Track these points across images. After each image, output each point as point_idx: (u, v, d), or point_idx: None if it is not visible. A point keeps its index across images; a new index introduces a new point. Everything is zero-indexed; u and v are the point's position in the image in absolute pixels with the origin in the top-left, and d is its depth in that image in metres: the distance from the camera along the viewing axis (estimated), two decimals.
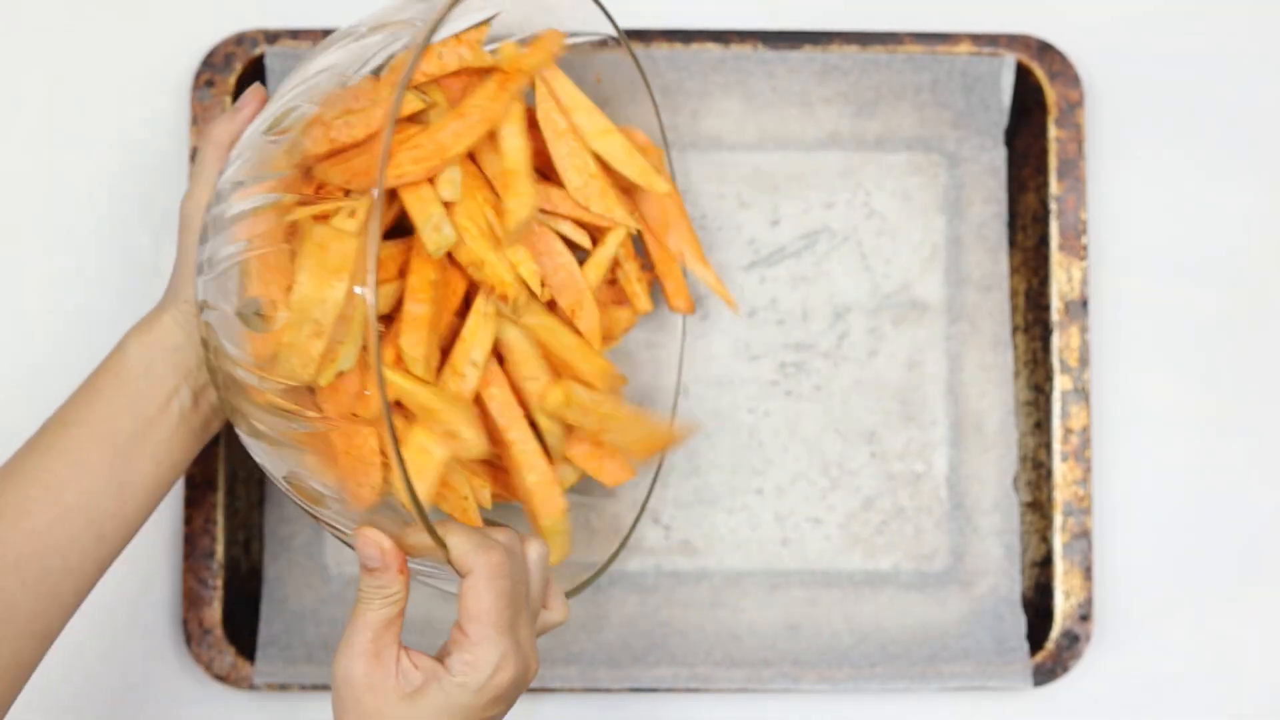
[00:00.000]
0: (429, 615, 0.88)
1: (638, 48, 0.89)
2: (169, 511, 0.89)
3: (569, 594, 0.74)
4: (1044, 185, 0.89)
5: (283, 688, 0.86)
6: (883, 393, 0.90)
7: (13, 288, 0.91)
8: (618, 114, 0.82)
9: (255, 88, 0.75)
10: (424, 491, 0.69)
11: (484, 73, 0.74)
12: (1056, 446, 0.88)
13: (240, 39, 0.89)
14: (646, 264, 0.84)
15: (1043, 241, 0.89)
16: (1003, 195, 0.91)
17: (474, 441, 0.70)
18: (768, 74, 0.90)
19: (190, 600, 0.86)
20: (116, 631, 0.89)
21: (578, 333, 0.78)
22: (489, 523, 0.72)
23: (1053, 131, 0.89)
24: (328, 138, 0.67)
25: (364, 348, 0.64)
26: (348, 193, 0.67)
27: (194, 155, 0.88)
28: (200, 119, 0.88)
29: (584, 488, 0.84)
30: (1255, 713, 0.90)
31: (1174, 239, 0.92)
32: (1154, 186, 0.93)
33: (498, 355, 0.77)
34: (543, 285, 0.77)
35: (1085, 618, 0.87)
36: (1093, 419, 0.90)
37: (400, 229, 0.74)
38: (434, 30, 0.65)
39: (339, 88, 0.69)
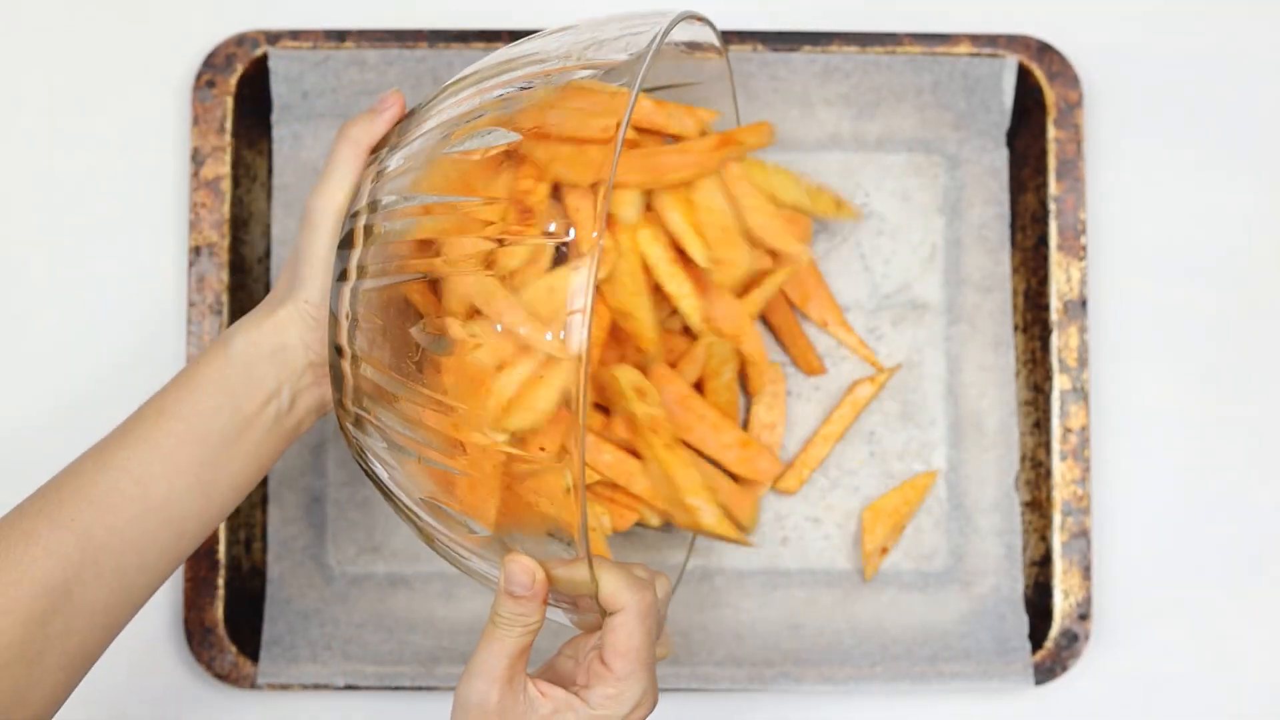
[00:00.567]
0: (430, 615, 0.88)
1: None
2: None
3: None
4: (1043, 185, 0.89)
5: (284, 687, 0.86)
6: (882, 392, 0.90)
7: (13, 288, 0.91)
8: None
9: (396, 92, 0.73)
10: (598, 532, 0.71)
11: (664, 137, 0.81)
12: (1055, 446, 0.88)
13: (241, 39, 0.89)
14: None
15: (1042, 241, 0.89)
16: (1004, 197, 0.91)
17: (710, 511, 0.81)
18: (769, 76, 0.90)
19: (191, 599, 0.87)
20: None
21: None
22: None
23: (1052, 132, 0.89)
24: (548, 133, 0.67)
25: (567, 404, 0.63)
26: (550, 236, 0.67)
27: (195, 155, 0.88)
28: (201, 120, 0.88)
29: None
30: (1255, 711, 0.91)
31: (1173, 239, 0.93)
32: (1153, 187, 0.93)
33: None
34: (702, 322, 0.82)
35: (1084, 617, 0.87)
36: (1092, 419, 0.90)
37: None
38: (657, 44, 0.65)
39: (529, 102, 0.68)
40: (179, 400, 0.70)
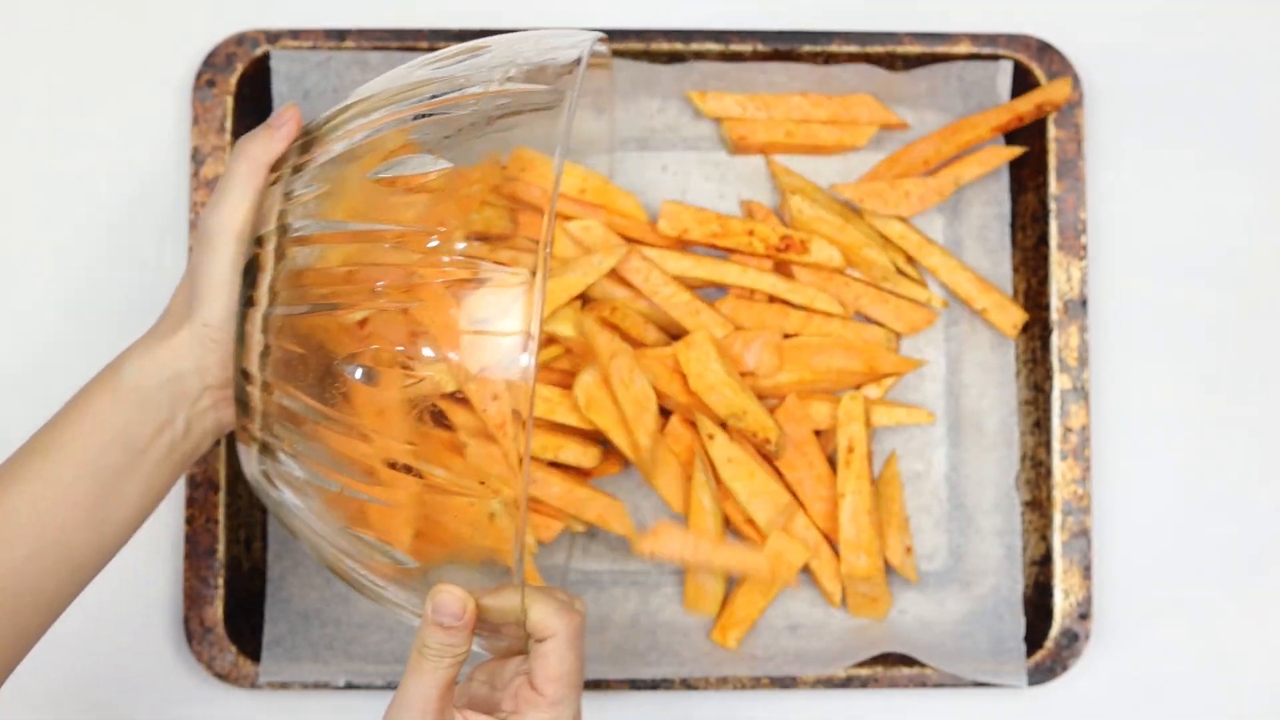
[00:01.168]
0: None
1: (638, 47, 0.89)
2: (170, 510, 0.90)
3: None
4: (1043, 185, 0.89)
5: (284, 686, 0.86)
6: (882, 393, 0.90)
7: (13, 288, 0.91)
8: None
9: (291, 106, 0.71)
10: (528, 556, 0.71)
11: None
12: (1056, 445, 0.88)
13: (241, 39, 0.89)
14: None
15: (1042, 241, 0.89)
16: (1004, 197, 0.91)
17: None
18: (768, 82, 0.90)
19: (191, 599, 0.87)
20: (118, 630, 0.89)
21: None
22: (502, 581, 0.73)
23: (1052, 131, 0.89)
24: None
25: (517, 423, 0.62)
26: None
27: (195, 155, 0.88)
28: (201, 119, 0.88)
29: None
30: (1254, 711, 0.91)
31: (1173, 238, 0.92)
32: (1153, 186, 0.93)
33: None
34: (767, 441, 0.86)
35: (1084, 616, 0.87)
36: (1092, 418, 0.90)
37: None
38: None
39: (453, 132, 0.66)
40: (69, 434, 0.68)
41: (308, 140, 0.70)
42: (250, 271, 0.67)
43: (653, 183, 0.91)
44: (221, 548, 0.87)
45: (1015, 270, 0.91)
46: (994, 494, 0.90)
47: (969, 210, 0.91)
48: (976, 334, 0.91)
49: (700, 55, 0.89)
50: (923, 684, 0.86)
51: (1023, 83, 0.90)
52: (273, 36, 0.89)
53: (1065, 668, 0.87)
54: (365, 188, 0.66)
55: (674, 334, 0.88)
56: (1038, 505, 0.89)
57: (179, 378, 0.68)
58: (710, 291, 0.90)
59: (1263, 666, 0.91)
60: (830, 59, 0.90)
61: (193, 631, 0.86)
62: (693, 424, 0.87)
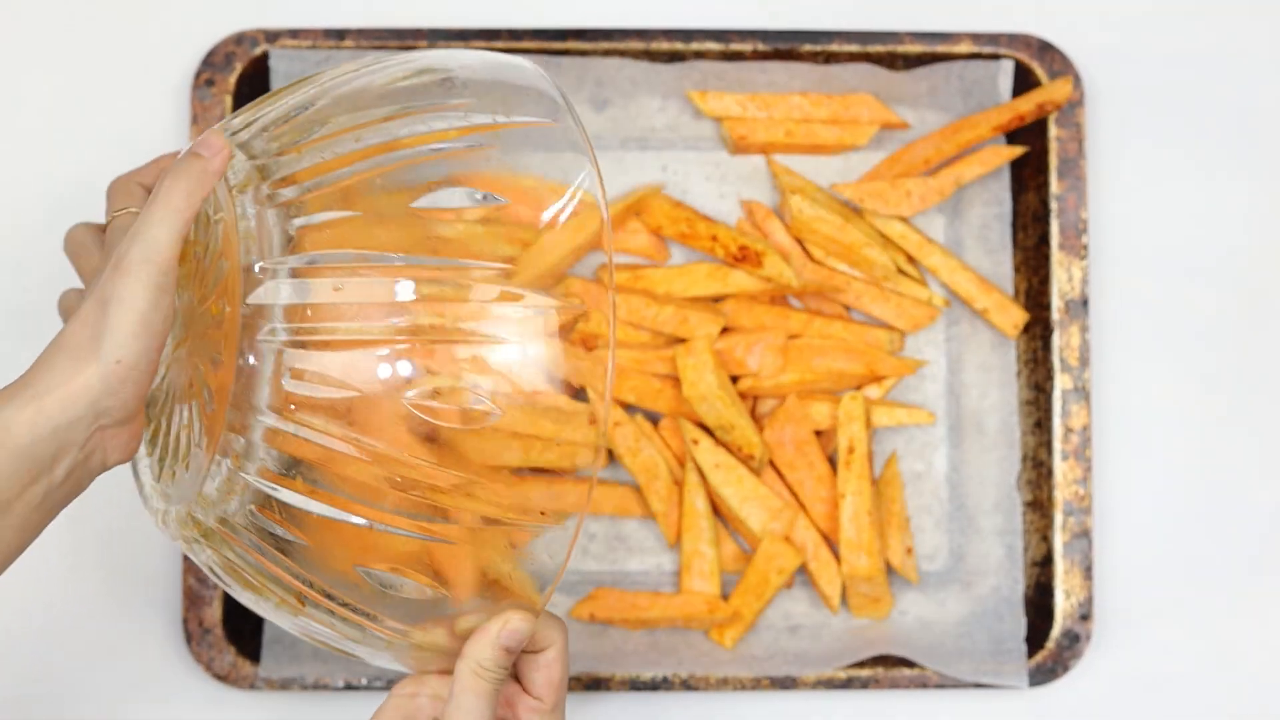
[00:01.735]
0: None
1: (638, 46, 0.89)
2: None
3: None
4: (1044, 184, 0.89)
5: (283, 687, 0.86)
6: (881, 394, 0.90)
7: (13, 288, 0.91)
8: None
9: (218, 136, 0.64)
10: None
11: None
12: (1057, 445, 0.88)
13: (240, 38, 0.89)
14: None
15: (1043, 240, 0.89)
16: (1005, 197, 0.91)
17: None
18: (769, 82, 0.90)
19: (190, 599, 0.86)
20: (116, 631, 0.89)
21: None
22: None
23: (1053, 131, 0.89)
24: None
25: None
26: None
27: None
28: (200, 118, 0.88)
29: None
30: (1255, 711, 0.91)
31: (1175, 238, 0.92)
32: (1154, 186, 0.93)
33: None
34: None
35: (1085, 617, 0.87)
36: (1093, 418, 0.90)
37: None
38: None
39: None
40: None
41: (286, 150, 0.65)
42: (255, 297, 0.62)
43: (653, 183, 0.91)
44: None
45: (1016, 270, 0.91)
46: (995, 494, 0.90)
47: (970, 210, 0.91)
48: (977, 334, 0.91)
49: (700, 55, 0.89)
50: (923, 685, 0.86)
51: (1024, 82, 0.90)
52: (272, 36, 0.89)
53: (1066, 668, 0.87)
54: (416, 222, 0.63)
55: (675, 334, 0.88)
56: (1039, 505, 0.88)
57: (68, 426, 0.60)
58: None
59: (1263, 667, 0.91)
60: (831, 58, 0.90)
61: (191, 632, 0.86)
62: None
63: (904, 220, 0.89)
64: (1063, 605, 0.87)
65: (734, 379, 0.88)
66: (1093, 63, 0.92)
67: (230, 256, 0.63)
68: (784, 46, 0.89)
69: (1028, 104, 0.87)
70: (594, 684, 0.86)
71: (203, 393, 0.64)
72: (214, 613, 0.86)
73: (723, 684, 0.86)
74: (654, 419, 0.89)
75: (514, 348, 0.63)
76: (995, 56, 0.90)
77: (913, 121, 0.91)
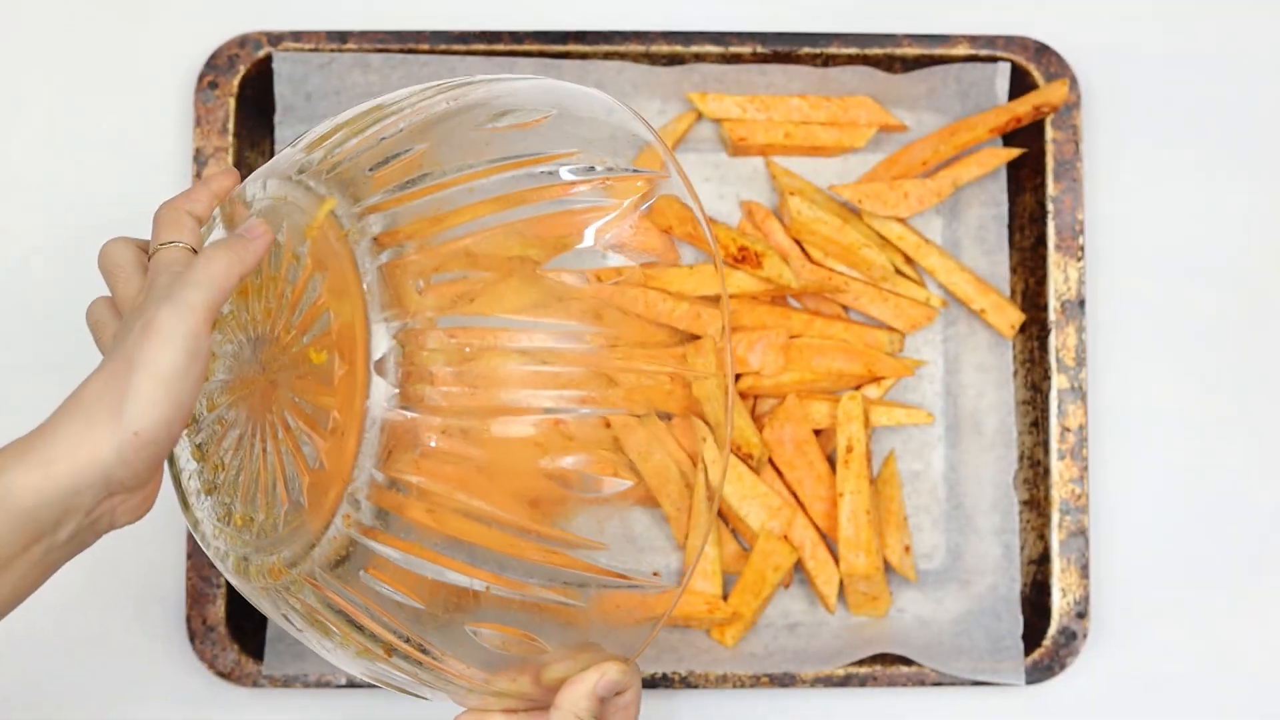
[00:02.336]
0: None
1: (638, 49, 0.89)
2: (172, 509, 0.90)
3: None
4: (1041, 186, 0.90)
5: (285, 684, 0.86)
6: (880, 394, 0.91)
7: (15, 289, 0.91)
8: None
9: (263, 224, 0.62)
10: None
11: None
12: (1053, 445, 0.88)
13: (243, 41, 0.89)
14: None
15: (1040, 242, 0.89)
16: (1002, 198, 0.91)
17: None
18: (768, 84, 0.90)
19: (194, 598, 0.87)
20: (120, 629, 0.89)
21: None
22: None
23: (1049, 133, 0.89)
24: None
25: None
26: None
27: (197, 156, 0.89)
28: (204, 120, 0.89)
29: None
30: (1251, 710, 0.91)
31: (1170, 239, 0.93)
32: (1150, 187, 0.93)
33: None
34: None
35: (1082, 615, 0.88)
36: (1089, 418, 0.90)
37: None
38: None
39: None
40: None
41: (392, 200, 0.61)
42: (392, 358, 0.59)
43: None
44: None
45: (1013, 271, 0.91)
46: (992, 493, 0.90)
47: (967, 211, 0.92)
48: (975, 334, 0.91)
49: (700, 57, 0.90)
50: (921, 682, 0.87)
51: (1020, 84, 0.90)
52: (275, 38, 0.89)
53: (1063, 666, 0.87)
54: (535, 279, 0.62)
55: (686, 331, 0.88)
56: (1035, 504, 0.89)
57: (76, 493, 0.57)
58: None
59: (1260, 665, 0.91)
60: (829, 61, 0.90)
61: (195, 630, 0.87)
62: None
63: (902, 221, 0.90)
64: (1059, 603, 0.88)
65: (735, 378, 0.88)
66: (1089, 65, 0.93)
67: (344, 310, 0.60)
68: (783, 49, 0.90)
69: (1024, 106, 0.88)
70: None
71: (298, 446, 0.61)
72: (217, 611, 0.87)
73: (722, 681, 0.86)
74: (666, 418, 0.89)
75: None
76: (992, 59, 0.90)
77: (910, 123, 0.92)
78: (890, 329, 0.90)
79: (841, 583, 0.88)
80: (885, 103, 0.91)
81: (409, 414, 0.59)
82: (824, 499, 0.88)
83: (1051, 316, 0.89)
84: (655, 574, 0.65)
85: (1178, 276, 0.93)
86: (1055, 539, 0.88)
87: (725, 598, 0.88)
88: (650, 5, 0.93)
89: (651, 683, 0.86)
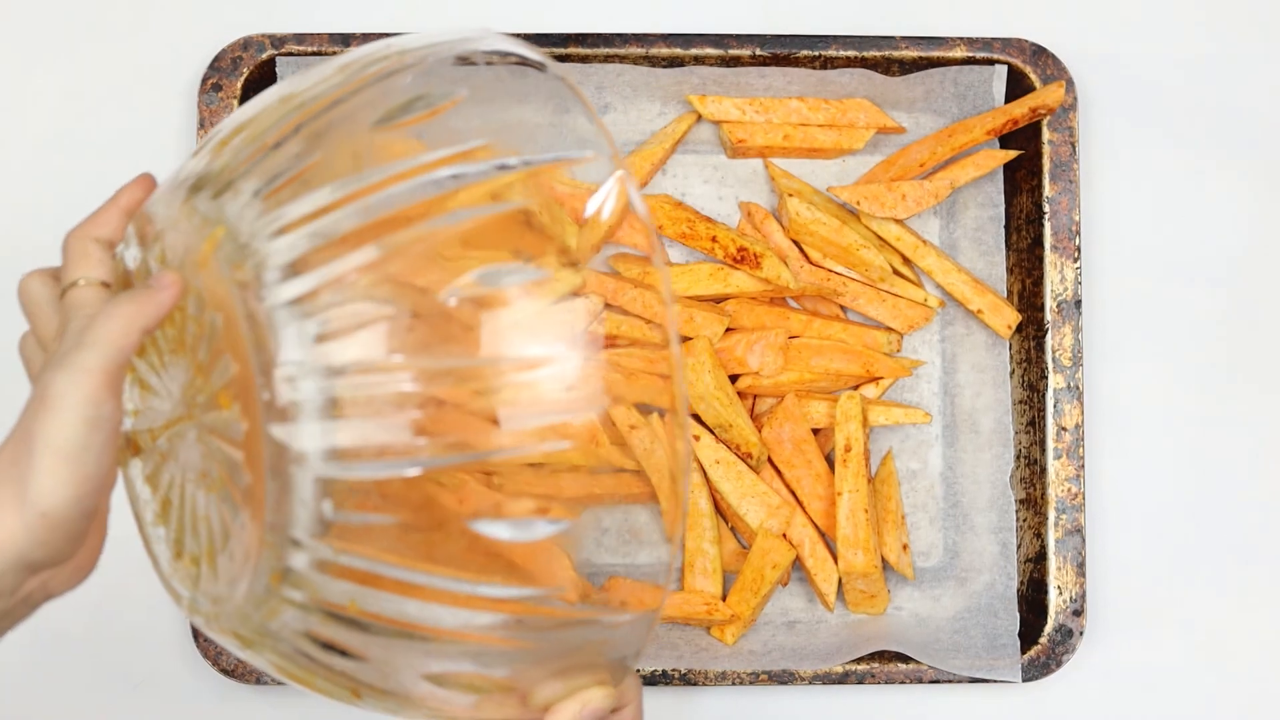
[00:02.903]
0: None
1: (638, 51, 0.90)
2: None
3: None
4: (1037, 187, 0.90)
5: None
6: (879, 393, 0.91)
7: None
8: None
9: (175, 274, 0.56)
10: None
11: None
12: (1050, 444, 0.89)
13: (246, 43, 0.90)
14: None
15: (1036, 242, 0.90)
16: (999, 199, 0.92)
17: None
18: (767, 86, 0.91)
19: None
20: (124, 626, 0.90)
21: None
22: None
23: (1046, 134, 0.90)
24: None
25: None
26: None
27: None
28: (207, 122, 0.89)
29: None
30: (1247, 707, 0.91)
31: (1166, 240, 0.93)
32: (1146, 188, 0.94)
33: None
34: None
35: (1078, 613, 0.88)
36: (1086, 417, 0.91)
37: None
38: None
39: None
40: None
41: (287, 228, 0.54)
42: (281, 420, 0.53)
43: (653, 185, 0.92)
44: None
45: (1010, 271, 0.92)
46: (989, 492, 0.91)
47: (964, 212, 0.92)
48: (972, 335, 0.92)
49: (699, 60, 0.90)
50: (919, 680, 0.87)
51: (1017, 86, 0.91)
52: (278, 41, 0.90)
53: (1060, 663, 0.88)
54: (445, 319, 0.56)
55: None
56: (1032, 503, 0.89)
57: None
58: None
59: (1254, 662, 0.91)
60: (828, 63, 0.91)
61: (199, 628, 0.87)
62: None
63: (900, 222, 0.90)
64: (1056, 601, 0.88)
65: (733, 378, 0.89)
66: (1086, 67, 0.93)
67: (238, 357, 0.54)
68: (781, 51, 0.90)
69: (1021, 108, 0.88)
70: None
71: (225, 494, 0.57)
72: None
73: (721, 679, 0.87)
74: (661, 415, 0.90)
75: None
76: (989, 61, 0.91)
77: (908, 125, 0.92)
78: (888, 329, 0.90)
79: (840, 581, 0.88)
80: (883, 105, 0.91)
81: (313, 474, 0.53)
82: (822, 498, 0.88)
83: (1048, 317, 0.89)
84: (623, 604, 0.61)
85: (1174, 277, 0.93)
86: (1052, 537, 0.88)
87: (725, 596, 0.88)
88: (650, 8, 0.94)
89: (651, 680, 0.87)
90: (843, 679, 0.87)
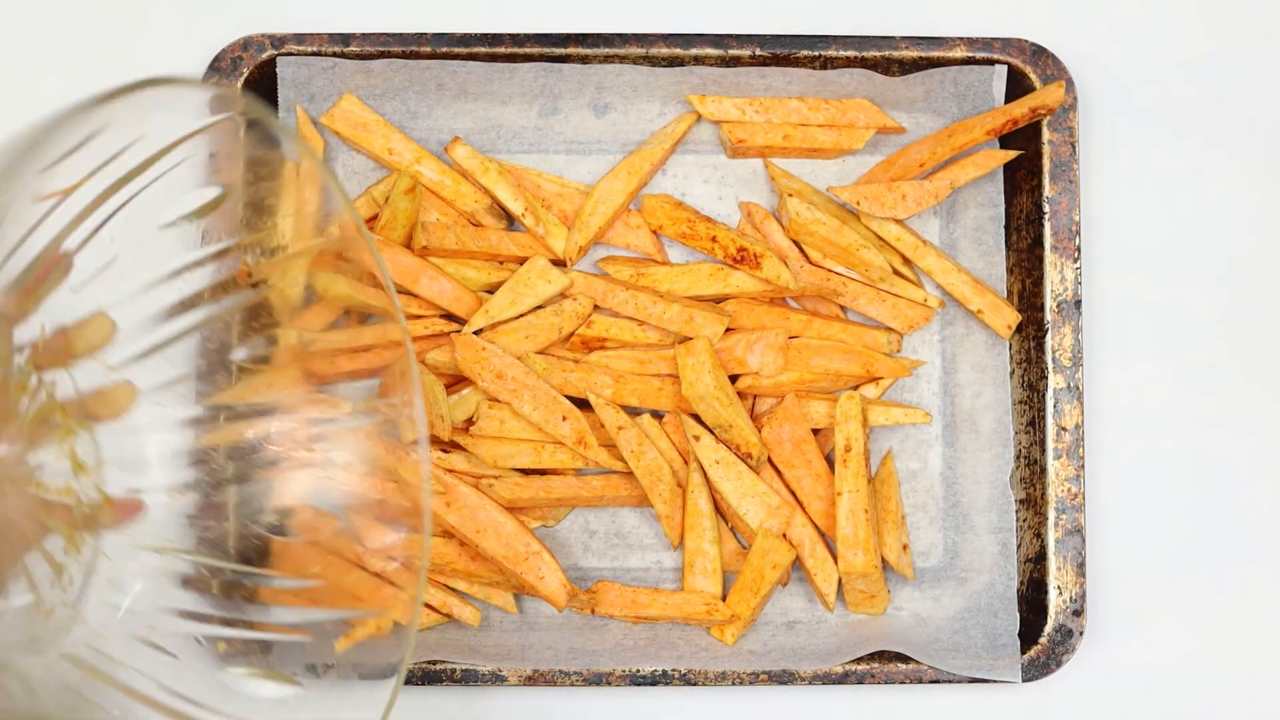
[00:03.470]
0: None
1: (638, 51, 0.90)
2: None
3: None
4: (1037, 187, 0.90)
5: None
6: (878, 392, 0.91)
7: None
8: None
9: None
10: None
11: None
12: (1050, 444, 0.89)
13: (246, 43, 0.90)
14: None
15: (1036, 242, 0.90)
16: (999, 199, 0.92)
17: None
18: (767, 86, 0.91)
19: None
20: None
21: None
22: None
23: (1046, 134, 0.90)
24: None
25: None
26: None
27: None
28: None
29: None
30: (1246, 706, 0.92)
31: (1166, 240, 0.93)
32: (1146, 188, 0.94)
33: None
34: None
35: (1078, 613, 0.88)
36: (1085, 417, 0.91)
37: None
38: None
39: None
40: None
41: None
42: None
43: (653, 185, 0.92)
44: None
45: (1010, 272, 0.92)
46: (989, 492, 0.91)
47: (964, 212, 0.92)
48: (972, 335, 0.92)
49: (699, 60, 0.90)
50: (919, 680, 0.87)
51: (1017, 86, 0.91)
52: (278, 41, 0.90)
53: (1059, 663, 0.88)
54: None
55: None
56: (1032, 503, 0.90)
57: None
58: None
59: (1254, 661, 0.92)
60: (828, 63, 0.91)
61: None
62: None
63: (899, 222, 0.90)
64: (1056, 601, 0.88)
65: (733, 378, 0.89)
66: (1085, 67, 0.93)
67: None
68: (781, 51, 0.90)
69: (1021, 108, 0.89)
70: (595, 679, 0.87)
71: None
72: None
73: (721, 679, 0.87)
74: (658, 416, 0.90)
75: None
76: (989, 61, 0.91)
77: (908, 125, 0.92)
78: (888, 329, 0.90)
79: (840, 581, 0.88)
80: (883, 105, 0.91)
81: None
82: (822, 498, 0.88)
83: (1048, 317, 0.89)
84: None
85: (1173, 277, 0.93)
86: (1052, 537, 0.88)
87: (725, 596, 0.88)
88: (650, 8, 0.94)
89: (651, 680, 0.87)
90: (843, 679, 0.87)
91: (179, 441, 0.67)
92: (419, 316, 0.88)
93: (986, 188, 0.92)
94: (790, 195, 0.88)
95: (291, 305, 0.70)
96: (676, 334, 0.88)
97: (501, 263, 0.90)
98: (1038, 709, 0.91)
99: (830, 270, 0.90)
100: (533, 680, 0.86)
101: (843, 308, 0.91)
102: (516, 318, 0.87)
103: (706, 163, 0.92)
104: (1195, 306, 0.93)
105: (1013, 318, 0.90)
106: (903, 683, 0.87)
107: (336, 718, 0.66)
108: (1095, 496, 0.91)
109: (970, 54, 0.91)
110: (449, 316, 0.89)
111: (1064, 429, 0.89)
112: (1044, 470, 0.89)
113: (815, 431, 0.90)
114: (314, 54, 0.90)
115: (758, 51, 0.90)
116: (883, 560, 0.89)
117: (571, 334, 0.88)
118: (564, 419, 0.86)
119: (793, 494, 0.89)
